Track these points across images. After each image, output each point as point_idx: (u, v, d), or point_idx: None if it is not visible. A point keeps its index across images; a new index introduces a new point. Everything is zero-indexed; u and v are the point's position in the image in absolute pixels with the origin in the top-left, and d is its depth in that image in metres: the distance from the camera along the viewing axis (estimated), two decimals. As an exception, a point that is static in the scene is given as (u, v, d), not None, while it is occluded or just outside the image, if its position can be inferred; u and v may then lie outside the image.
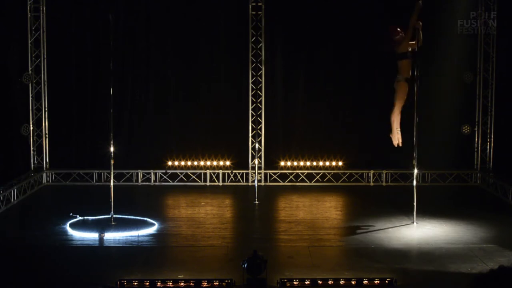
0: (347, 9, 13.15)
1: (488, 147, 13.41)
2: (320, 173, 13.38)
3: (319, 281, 7.59)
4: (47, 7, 13.05)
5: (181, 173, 13.36)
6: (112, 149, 10.32)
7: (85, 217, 10.50)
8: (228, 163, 13.39)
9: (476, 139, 13.44)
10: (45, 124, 13.33)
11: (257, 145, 13.04)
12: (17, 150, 12.83)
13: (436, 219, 10.56)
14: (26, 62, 13.05)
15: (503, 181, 12.21)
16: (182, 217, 10.92)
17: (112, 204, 10.20)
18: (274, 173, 13.39)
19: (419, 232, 9.93)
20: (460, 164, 13.51)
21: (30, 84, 13.12)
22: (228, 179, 13.40)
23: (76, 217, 10.49)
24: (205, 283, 7.49)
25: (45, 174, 13.32)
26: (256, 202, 11.82)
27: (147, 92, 13.37)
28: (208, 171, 13.35)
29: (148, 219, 10.51)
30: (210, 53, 13.32)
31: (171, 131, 13.45)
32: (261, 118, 13.26)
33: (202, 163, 13.39)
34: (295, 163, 13.41)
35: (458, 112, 13.38)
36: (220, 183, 13.35)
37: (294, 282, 7.59)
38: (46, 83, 13.23)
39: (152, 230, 10.06)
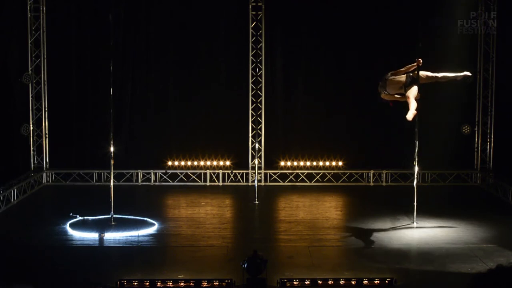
0: (347, 10, 13.15)
1: (488, 147, 13.42)
2: (320, 173, 13.38)
3: (319, 281, 7.60)
4: (47, 7, 13.06)
5: (181, 173, 13.36)
6: (112, 149, 10.33)
7: (85, 217, 10.50)
8: (228, 163, 13.39)
9: (476, 139, 13.44)
10: (45, 124, 13.33)
11: (257, 145, 13.04)
12: (17, 150, 12.84)
13: (436, 219, 10.57)
14: (26, 62, 13.06)
15: (503, 181, 12.21)
16: (182, 217, 10.92)
17: (112, 204, 10.20)
18: (274, 173, 13.39)
19: (419, 232, 9.94)
20: (460, 164, 13.51)
21: (30, 84, 13.12)
22: (228, 179, 13.40)
23: (76, 217, 10.50)
24: (205, 283, 7.50)
25: (45, 174, 13.32)
26: (256, 202, 11.82)
27: (147, 92, 13.38)
28: (208, 171, 13.35)
29: (148, 219, 10.51)
30: (210, 53, 13.32)
31: (171, 131, 13.45)
32: (261, 118, 13.26)
33: (202, 163, 13.39)
34: (295, 163, 13.41)
35: (458, 112, 13.39)
36: (220, 183, 13.35)
37: (294, 282, 7.60)
38: (46, 83, 13.24)
39: (152, 230, 10.06)
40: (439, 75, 9.91)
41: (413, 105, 9.54)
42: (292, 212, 11.38)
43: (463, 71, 9.96)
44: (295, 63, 13.41)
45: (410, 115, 9.51)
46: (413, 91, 9.62)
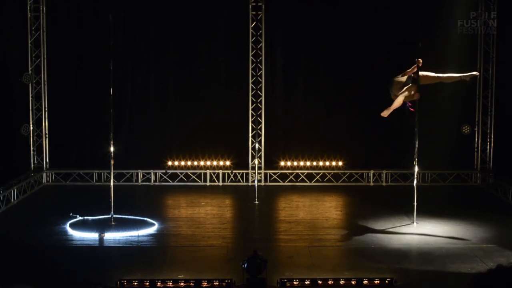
0: (347, 10, 13.15)
1: (488, 147, 13.42)
2: (320, 173, 13.38)
3: (319, 281, 7.60)
4: (47, 7, 13.06)
5: (181, 173, 13.36)
6: (112, 149, 10.33)
7: (85, 217, 10.50)
8: (228, 163, 13.39)
9: (476, 139, 13.44)
10: (45, 124, 13.33)
11: (257, 145, 13.04)
12: (17, 150, 12.84)
13: (436, 219, 10.56)
14: (26, 62, 13.06)
15: (503, 181, 12.21)
16: (182, 217, 10.92)
17: (112, 204, 10.20)
18: (274, 173, 13.39)
19: (419, 232, 9.93)
20: (460, 164, 13.51)
21: (30, 84, 13.12)
22: (228, 179, 13.40)
23: (76, 217, 10.50)
24: (205, 283, 7.50)
25: (45, 174, 13.32)
26: (256, 202, 11.82)
27: (147, 92, 13.38)
28: (208, 171, 13.35)
29: (148, 219, 10.51)
30: (210, 53, 13.33)
31: (171, 131, 13.45)
32: (261, 118, 13.26)
33: (202, 163, 13.39)
34: (295, 163, 13.41)
35: (458, 112, 13.39)
36: (220, 183, 13.35)
37: (294, 282, 7.60)
38: (46, 83, 13.24)
39: (152, 230, 10.06)
40: (444, 75, 9.94)
41: (394, 104, 9.73)
42: (292, 212, 11.38)
43: (469, 72, 9.99)
44: (295, 63, 13.41)
45: (384, 112, 9.80)
46: (404, 93, 9.71)
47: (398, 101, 9.74)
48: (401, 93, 9.78)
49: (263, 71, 13.15)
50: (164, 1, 13.23)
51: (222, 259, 8.71)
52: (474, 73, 10.04)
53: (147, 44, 13.32)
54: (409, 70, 9.84)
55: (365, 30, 13.11)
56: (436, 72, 9.96)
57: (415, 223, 10.23)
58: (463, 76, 9.91)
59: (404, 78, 9.85)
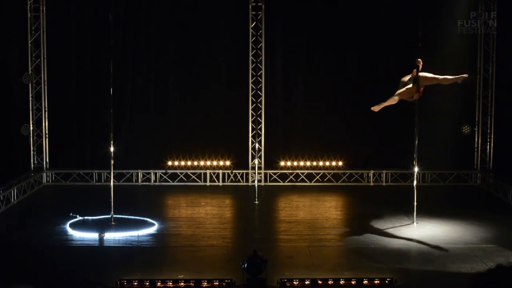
0: (347, 10, 13.15)
1: (488, 147, 13.42)
2: (320, 173, 13.38)
3: (319, 281, 7.60)
4: (47, 7, 13.06)
5: (181, 173, 13.36)
6: (112, 149, 10.33)
7: (85, 217, 10.50)
8: (228, 163, 13.39)
9: (476, 139, 13.44)
10: (45, 124, 13.33)
11: (257, 145, 13.04)
12: (17, 150, 12.84)
13: (436, 219, 10.57)
14: (26, 62, 13.06)
15: (503, 181, 12.21)
16: (182, 217, 10.92)
17: (112, 204, 10.20)
18: (274, 173, 13.39)
19: (419, 232, 9.93)
20: (460, 164, 13.51)
21: (30, 84, 13.12)
22: (228, 179, 13.40)
23: (76, 217, 10.50)
24: (205, 283, 7.50)
25: (45, 174, 13.32)
26: (256, 202, 11.82)
27: (147, 92, 13.38)
28: (208, 171, 13.35)
29: (148, 219, 10.51)
30: (210, 53, 13.32)
31: (171, 131, 13.45)
32: (261, 118, 13.26)
33: (202, 163, 13.40)
34: (295, 163, 13.41)
35: (458, 112, 13.39)
36: (220, 183, 13.35)
37: (294, 282, 7.60)
38: (46, 83, 13.24)
39: (152, 230, 10.06)
40: (440, 77, 9.97)
41: (388, 101, 9.85)
42: (292, 212, 11.38)
43: (459, 74, 10.00)
44: (295, 63, 13.41)
45: (375, 107, 10.02)
46: (403, 92, 9.78)
47: (394, 99, 9.80)
48: (399, 92, 9.81)
49: (263, 71, 13.16)
50: (164, 1, 13.24)
51: (222, 259, 8.72)
52: (464, 75, 10.05)
53: (147, 44, 13.32)
54: (415, 70, 9.86)
55: (365, 30, 13.11)
56: (435, 74, 9.99)
57: (415, 223, 10.23)
58: (455, 78, 9.95)
59: (406, 78, 9.91)
